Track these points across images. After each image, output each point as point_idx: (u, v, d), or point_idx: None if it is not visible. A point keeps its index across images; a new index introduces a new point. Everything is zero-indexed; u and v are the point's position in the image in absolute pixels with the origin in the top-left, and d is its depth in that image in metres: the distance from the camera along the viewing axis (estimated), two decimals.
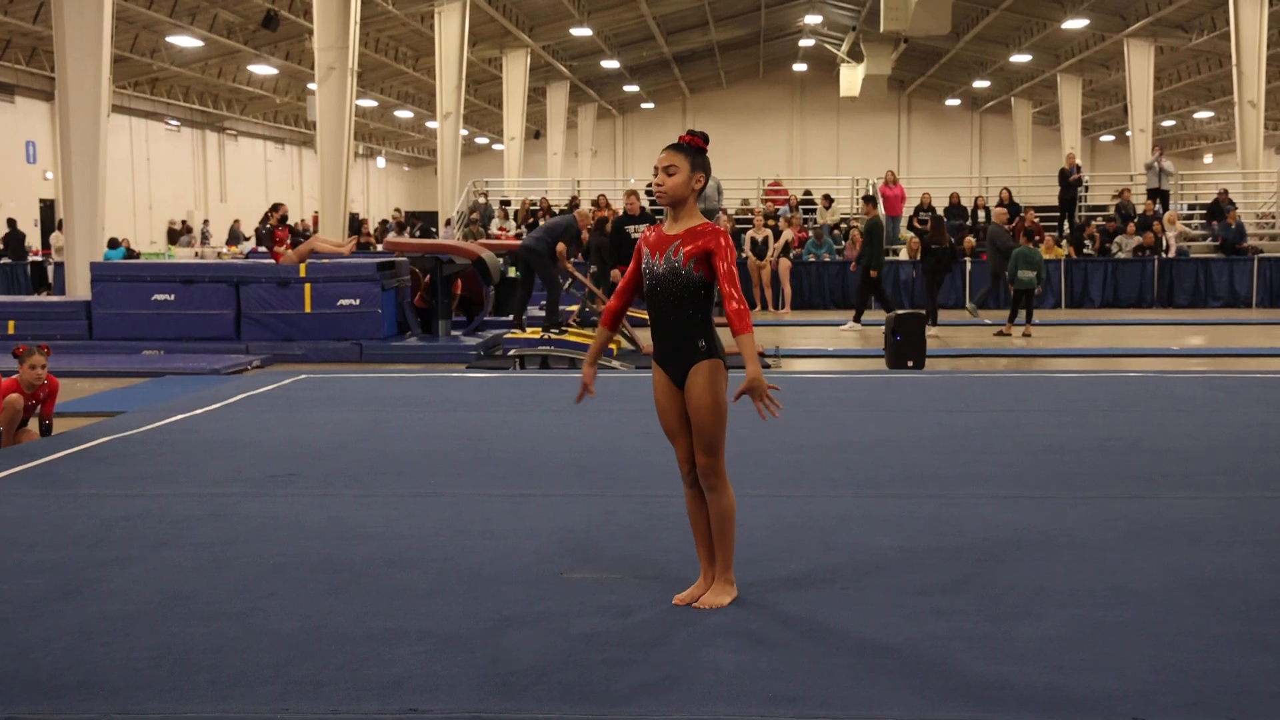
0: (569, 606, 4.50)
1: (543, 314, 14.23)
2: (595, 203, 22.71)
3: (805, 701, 3.52)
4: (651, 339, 4.18)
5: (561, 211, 21.57)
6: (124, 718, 3.49)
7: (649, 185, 14.56)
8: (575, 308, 15.07)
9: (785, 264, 20.13)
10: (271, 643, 4.16)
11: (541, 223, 18.90)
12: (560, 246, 13.82)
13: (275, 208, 16.73)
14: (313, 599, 4.64)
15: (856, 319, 16.94)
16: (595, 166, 43.59)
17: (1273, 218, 25.23)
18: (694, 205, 4.25)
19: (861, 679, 3.71)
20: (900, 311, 13.20)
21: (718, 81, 44.18)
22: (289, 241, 16.03)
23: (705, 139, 4.28)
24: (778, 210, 22.52)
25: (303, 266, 15.00)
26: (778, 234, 20.70)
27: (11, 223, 27.24)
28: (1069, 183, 20.87)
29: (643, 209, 15.73)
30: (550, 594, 4.66)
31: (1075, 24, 28.58)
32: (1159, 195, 22.59)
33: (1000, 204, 20.23)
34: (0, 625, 4.32)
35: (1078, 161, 22.68)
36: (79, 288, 15.94)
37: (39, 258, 25.66)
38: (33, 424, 8.43)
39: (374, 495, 6.61)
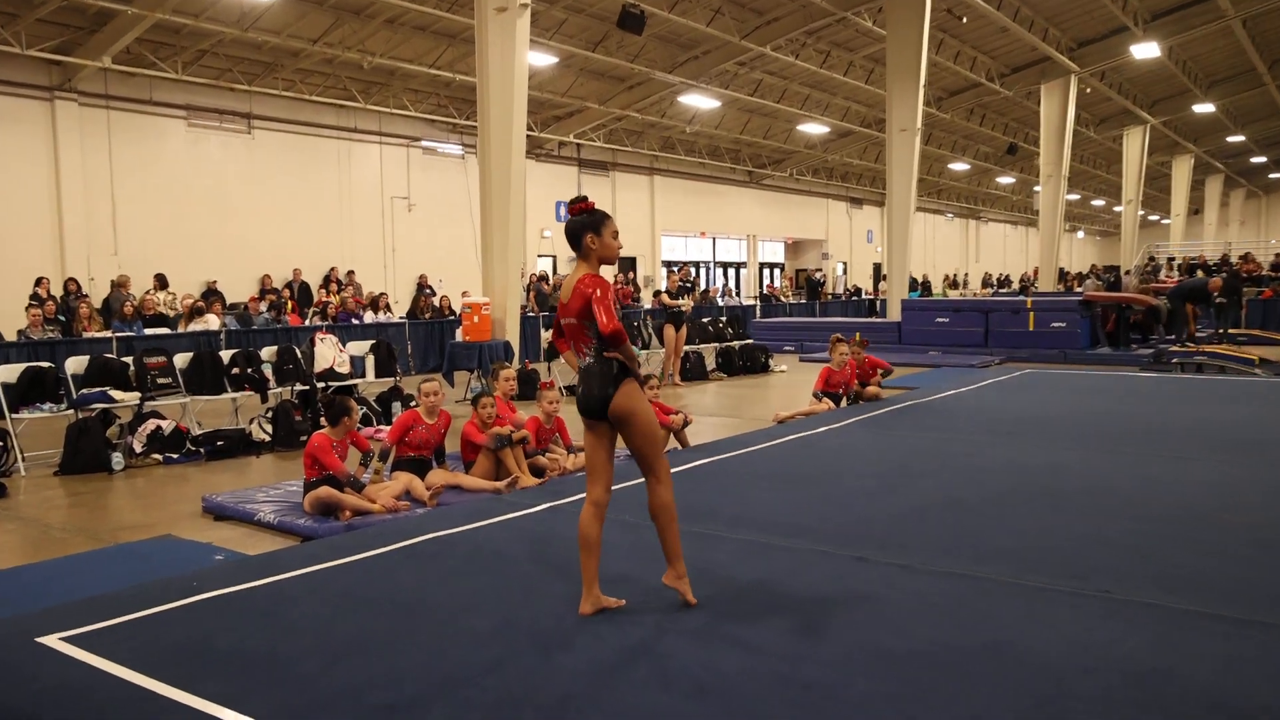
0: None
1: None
2: (1244, 257, 23.74)
3: None
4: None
5: (1205, 271, 22.25)
6: (918, 567, 4.06)
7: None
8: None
9: None
10: (1004, 533, 4.56)
11: (1199, 274, 19.57)
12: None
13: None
14: (1035, 512, 4.98)
15: None
16: (1242, 232, 43.98)
17: None
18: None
19: None
20: None
21: None
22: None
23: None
24: None
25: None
26: None
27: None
28: None
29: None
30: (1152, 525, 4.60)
31: None
32: None
33: None
34: (846, 505, 5.11)
35: None
36: (894, 314, 18.48)
37: (870, 297, 29.86)
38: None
39: (1073, 447, 6.78)
